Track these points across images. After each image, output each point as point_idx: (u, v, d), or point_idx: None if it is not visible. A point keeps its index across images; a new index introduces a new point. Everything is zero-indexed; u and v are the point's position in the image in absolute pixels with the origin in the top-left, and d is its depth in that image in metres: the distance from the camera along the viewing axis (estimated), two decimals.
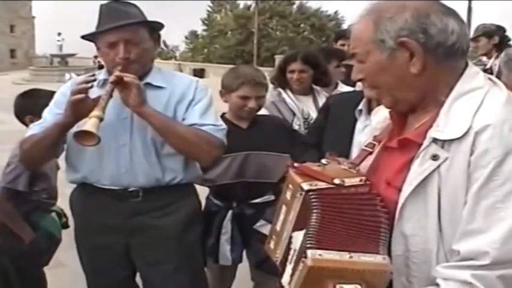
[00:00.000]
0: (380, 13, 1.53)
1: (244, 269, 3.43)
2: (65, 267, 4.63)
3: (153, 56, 2.70)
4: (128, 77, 2.40)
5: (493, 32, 6.14)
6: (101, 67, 33.24)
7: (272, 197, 3.19)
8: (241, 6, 59.76)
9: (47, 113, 2.71)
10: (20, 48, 52.50)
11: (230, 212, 3.18)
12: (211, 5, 61.45)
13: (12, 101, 3.51)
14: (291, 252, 1.56)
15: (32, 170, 3.19)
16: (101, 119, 2.29)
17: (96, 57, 36.78)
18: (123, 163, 2.58)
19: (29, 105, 3.42)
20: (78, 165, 2.65)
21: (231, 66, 4.19)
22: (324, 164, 1.66)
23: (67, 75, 32.51)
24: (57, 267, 4.48)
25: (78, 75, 30.62)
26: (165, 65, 28.50)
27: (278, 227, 1.67)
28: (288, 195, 1.62)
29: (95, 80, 2.47)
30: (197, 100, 2.62)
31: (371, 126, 2.48)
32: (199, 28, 61.99)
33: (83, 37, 2.65)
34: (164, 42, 53.39)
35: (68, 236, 3.18)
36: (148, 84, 2.58)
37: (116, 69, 2.47)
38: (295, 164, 1.63)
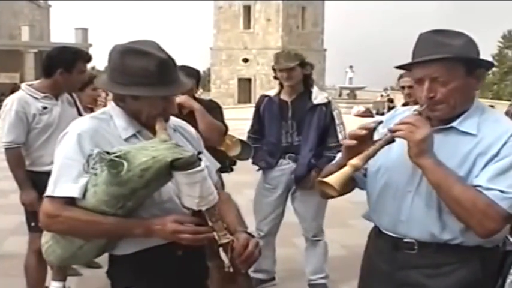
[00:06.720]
0: None
1: None
2: None
3: (472, 96, 2.36)
4: (402, 132, 2.18)
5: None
6: (390, 101, 33.38)
7: None
8: None
9: None
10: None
11: None
12: (501, 40, 59.64)
13: None
14: None
15: None
16: (356, 169, 2.14)
17: (386, 89, 36.90)
18: (403, 210, 2.38)
19: None
20: (370, 202, 2.55)
21: None
22: None
23: (355, 108, 33.21)
24: None
25: (366, 108, 31.78)
26: None
27: None
28: None
29: (374, 129, 2.28)
30: (500, 157, 2.20)
31: None
32: None
33: (396, 67, 2.50)
34: None
35: None
36: (454, 128, 2.30)
37: (421, 108, 2.29)
38: None
